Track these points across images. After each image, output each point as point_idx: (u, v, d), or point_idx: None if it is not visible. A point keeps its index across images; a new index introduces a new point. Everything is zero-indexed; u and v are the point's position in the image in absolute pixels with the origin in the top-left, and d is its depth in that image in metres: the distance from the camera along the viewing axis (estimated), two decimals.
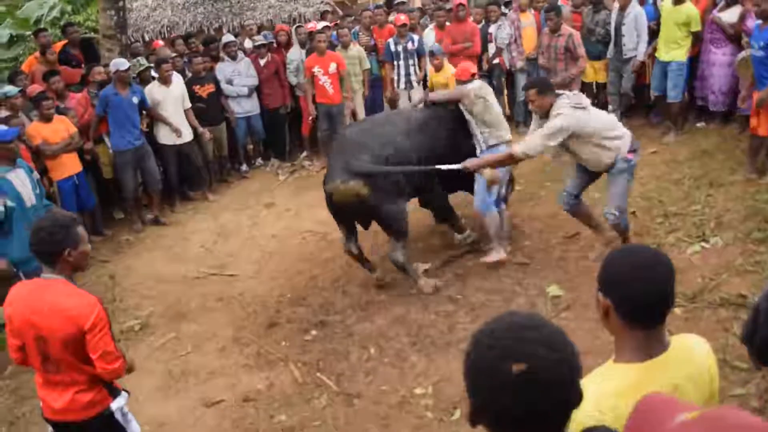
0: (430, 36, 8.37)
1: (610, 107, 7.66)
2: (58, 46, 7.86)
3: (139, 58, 7.57)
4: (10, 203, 4.66)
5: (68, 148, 6.34)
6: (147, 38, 9.84)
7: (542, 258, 5.25)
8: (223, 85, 7.90)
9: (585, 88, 8.27)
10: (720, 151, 6.54)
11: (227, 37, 8.35)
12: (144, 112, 7.07)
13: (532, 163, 7.04)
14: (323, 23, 8.59)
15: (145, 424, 4.00)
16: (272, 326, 4.93)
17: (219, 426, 3.94)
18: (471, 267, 5.26)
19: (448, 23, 8.28)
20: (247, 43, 8.60)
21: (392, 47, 8.14)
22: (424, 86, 8.19)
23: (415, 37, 8.24)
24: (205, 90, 7.72)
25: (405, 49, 8.09)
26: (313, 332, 4.76)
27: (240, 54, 8.07)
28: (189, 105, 7.35)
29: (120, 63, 6.79)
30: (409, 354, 4.32)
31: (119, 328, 5.12)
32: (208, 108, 7.75)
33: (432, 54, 7.35)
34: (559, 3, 7.87)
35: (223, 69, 7.96)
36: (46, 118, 6.21)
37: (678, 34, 6.76)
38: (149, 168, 7.02)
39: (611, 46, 7.40)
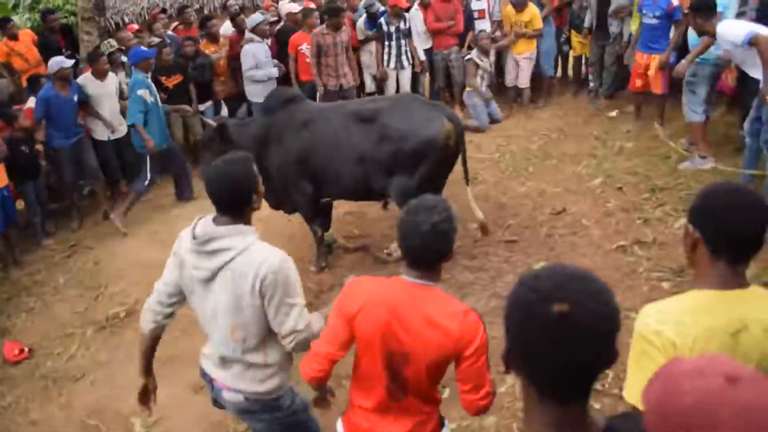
0: (416, 16, 8.26)
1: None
2: (26, 32, 7.77)
3: (109, 39, 7.35)
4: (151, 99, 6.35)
5: (1, 157, 5.86)
6: (126, 21, 9.64)
7: (529, 235, 5.23)
8: (251, 72, 7.42)
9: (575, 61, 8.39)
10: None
11: (257, 17, 7.61)
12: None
13: (520, 141, 7.03)
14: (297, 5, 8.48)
15: (132, 411, 3.99)
16: None
17: (207, 410, 3.89)
18: (458, 246, 5.22)
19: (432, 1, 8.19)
20: (225, 27, 8.37)
21: (384, 27, 7.99)
22: (412, 66, 8.26)
23: (407, 16, 8.15)
24: (171, 81, 7.37)
25: (398, 29, 7.99)
26: None
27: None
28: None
29: (61, 61, 6.36)
30: None
31: (105, 315, 5.08)
32: (176, 97, 7.39)
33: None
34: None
35: (256, 50, 7.39)
36: None
37: None
38: (87, 161, 6.67)
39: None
